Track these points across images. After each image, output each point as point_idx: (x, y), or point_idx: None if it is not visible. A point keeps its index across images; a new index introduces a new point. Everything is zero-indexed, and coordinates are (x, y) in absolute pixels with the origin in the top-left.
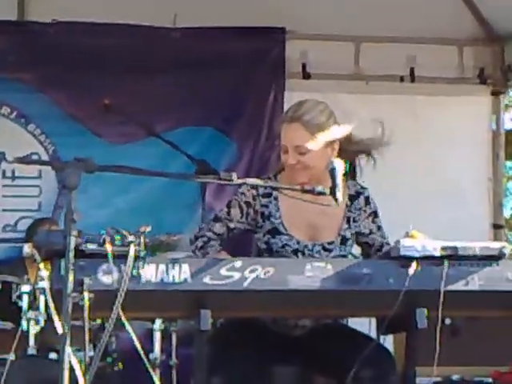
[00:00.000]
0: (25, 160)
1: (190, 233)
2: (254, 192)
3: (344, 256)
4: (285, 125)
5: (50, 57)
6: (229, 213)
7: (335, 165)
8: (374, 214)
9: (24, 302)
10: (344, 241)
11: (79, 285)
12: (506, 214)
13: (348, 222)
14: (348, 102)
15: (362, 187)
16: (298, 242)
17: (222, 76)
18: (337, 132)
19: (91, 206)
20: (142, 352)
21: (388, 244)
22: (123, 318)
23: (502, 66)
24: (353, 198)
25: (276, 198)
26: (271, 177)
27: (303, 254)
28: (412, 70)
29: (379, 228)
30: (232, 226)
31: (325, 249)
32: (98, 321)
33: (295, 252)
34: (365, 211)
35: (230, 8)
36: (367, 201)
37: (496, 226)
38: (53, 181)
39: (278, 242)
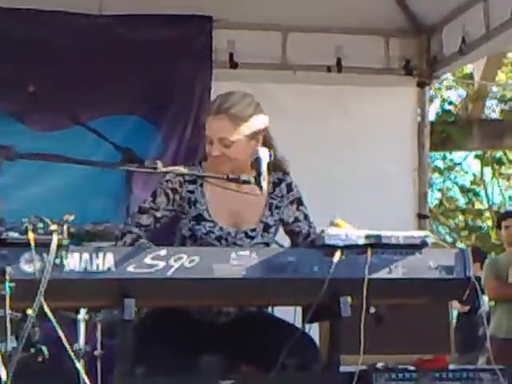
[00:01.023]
0: None
1: (114, 221)
2: (181, 178)
3: (266, 244)
4: (210, 117)
5: None
6: (154, 202)
7: (260, 154)
8: (298, 201)
9: None
10: (266, 228)
11: (1, 274)
12: (431, 203)
13: (270, 209)
14: (275, 92)
15: (284, 173)
16: (222, 229)
17: (148, 64)
18: (261, 124)
19: (13, 194)
20: (66, 342)
21: (315, 234)
22: (46, 308)
23: (427, 57)
24: (275, 184)
25: (201, 185)
26: (196, 164)
27: (226, 240)
28: (339, 60)
29: (306, 217)
30: (159, 214)
31: (247, 236)
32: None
33: (218, 239)
34: (287, 198)
35: None
36: (289, 187)
37: (421, 216)
38: None
39: (201, 229)
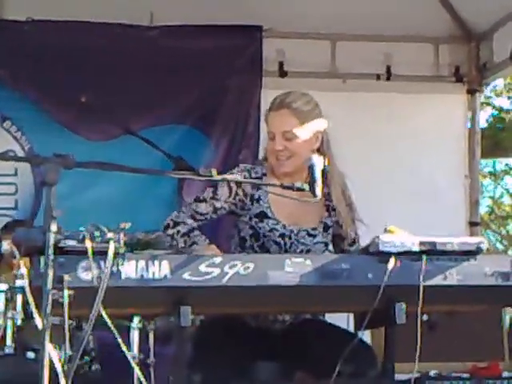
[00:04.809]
0: (3, 157)
1: None
2: (246, 174)
3: (326, 243)
4: (272, 112)
5: (25, 55)
6: (215, 192)
7: (314, 161)
8: (350, 205)
9: (1, 301)
10: (326, 228)
11: (59, 282)
12: (482, 211)
13: (328, 210)
14: (324, 100)
15: None
16: (285, 227)
17: (199, 74)
18: (322, 122)
19: (65, 202)
20: (124, 349)
21: (358, 242)
22: (105, 316)
23: (477, 64)
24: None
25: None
26: (258, 162)
27: (289, 238)
28: (388, 68)
29: (353, 222)
30: (218, 205)
31: (309, 234)
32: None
33: (282, 236)
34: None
35: (207, 6)
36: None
37: (472, 224)
38: (29, 179)
39: (265, 226)
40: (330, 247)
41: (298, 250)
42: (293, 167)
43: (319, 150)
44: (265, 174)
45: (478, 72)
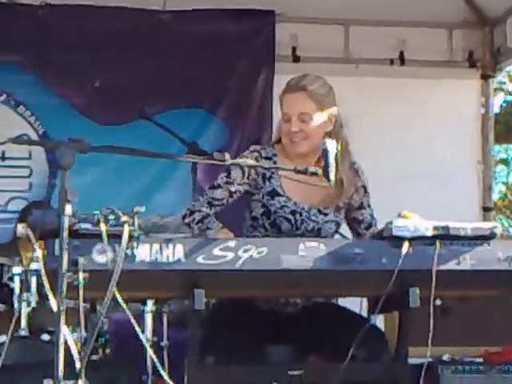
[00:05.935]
0: (18, 140)
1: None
2: (257, 154)
3: (337, 223)
4: (288, 94)
5: (39, 39)
6: (229, 176)
7: (327, 145)
8: (364, 189)
9: (16, 284)
10: (338, 209)
11: (74, 265)
12: (494, 196)
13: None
14: (337, 86)
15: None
16: (296, 204)
17: (212, 58)
18: (334, 105)
19: (83, 187)
20: (139, 331)
21: (376, 225)
22: (119, 299)
23: (491, 49)
24: None
25: (275, 163)
26: (268, 145)
27: (300, 215)
28: (402, 54)
29: (369, 205)
30: (233, 189)
31: (320, 212)
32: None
33: (293, 213)
34: (355, 184)
35: None
36: (357, 173)
37: (485, 209)
38: (43, 162)
39: (276, 204)
40: (342, 228)
41: (309, 228)
42: (307, 148)
43: (331, 133)
44: (275, 155)
45: (491, 57)
